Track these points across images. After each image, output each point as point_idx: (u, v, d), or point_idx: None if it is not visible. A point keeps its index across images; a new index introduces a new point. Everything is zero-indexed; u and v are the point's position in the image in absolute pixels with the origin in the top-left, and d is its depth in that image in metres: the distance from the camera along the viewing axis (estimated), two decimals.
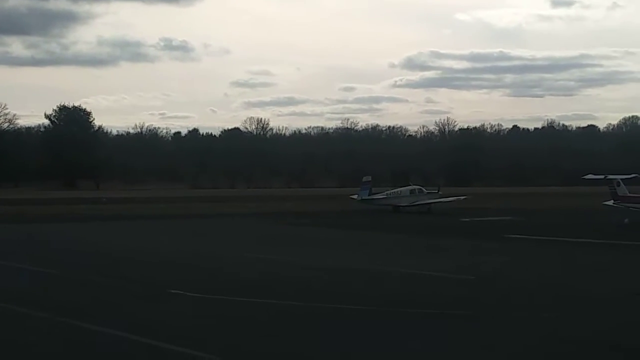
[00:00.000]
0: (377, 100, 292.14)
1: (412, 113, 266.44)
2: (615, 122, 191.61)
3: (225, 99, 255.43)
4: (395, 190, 73.50)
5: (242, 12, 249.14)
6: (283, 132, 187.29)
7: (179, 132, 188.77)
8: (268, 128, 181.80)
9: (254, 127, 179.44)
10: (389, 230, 51.21)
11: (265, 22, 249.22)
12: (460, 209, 71.08)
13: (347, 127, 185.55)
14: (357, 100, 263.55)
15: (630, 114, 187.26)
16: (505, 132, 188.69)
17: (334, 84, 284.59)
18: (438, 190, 73.50)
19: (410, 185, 75.94)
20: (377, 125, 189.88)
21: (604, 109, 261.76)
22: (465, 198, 73.12)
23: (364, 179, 72.03)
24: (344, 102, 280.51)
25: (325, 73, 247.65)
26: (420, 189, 72.88)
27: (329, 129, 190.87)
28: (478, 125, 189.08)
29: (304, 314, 20.16)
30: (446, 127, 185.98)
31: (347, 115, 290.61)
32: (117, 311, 20.58)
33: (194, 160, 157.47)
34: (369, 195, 70.88)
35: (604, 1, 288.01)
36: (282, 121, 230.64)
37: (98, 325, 18.28)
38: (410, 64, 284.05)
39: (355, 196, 72.61)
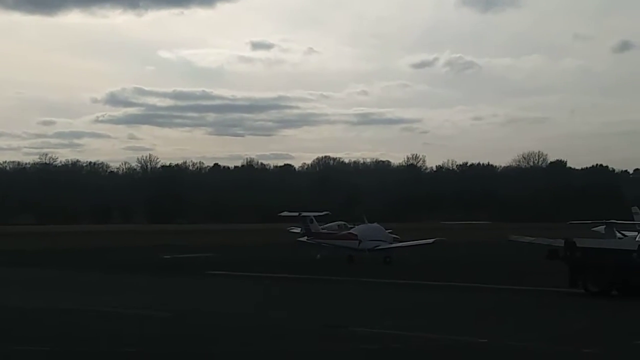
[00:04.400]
0: (79, 135, 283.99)
1: (114, 149, 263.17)
2: (309, 161, 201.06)
3: None
4: (327, 225, 76.61)
5: None
6: None
7: None
8: None
9: None
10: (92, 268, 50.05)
11: None
12: (162, 245, 71.14)
13: (46, 162, 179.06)
14: (58, 135, 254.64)
15: (323, 154, 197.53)
16: (207, 170, 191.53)
17: (33, 118, 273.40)
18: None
19: (336, 221, 78.36)
20: (78, 161, 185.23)
21: (299, 149, 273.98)
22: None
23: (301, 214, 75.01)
24: (43, 136, 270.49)
25: (23, 106, 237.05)
26: (345, 224, 75.96)
27: (26, 163, 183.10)
28: (180, 162, 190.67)
29: None
30: (148, 163, 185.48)
31: (46, 150, 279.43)
32: None
33: None
34: None
35: (301, 46, 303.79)
36: None
37: None
38: (114, 100, 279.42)
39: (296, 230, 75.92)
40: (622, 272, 32.62)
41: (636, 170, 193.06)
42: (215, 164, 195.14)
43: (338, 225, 78.32)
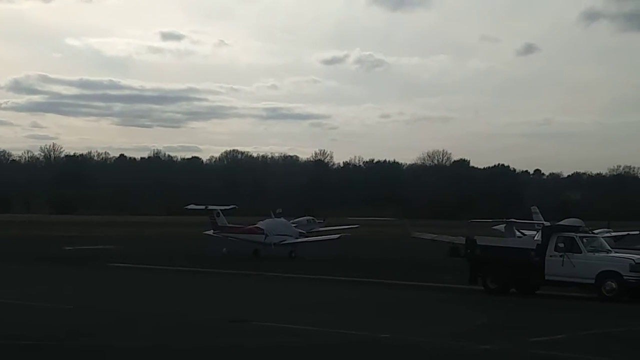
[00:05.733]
0: None
1: (16, 137, 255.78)
2: (217, 154, 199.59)
3: None
4: (296, 220, 74.76)
5: None
6: None
7: None
8: None
9: None
10: None
11: None
12: (65, 237, 69.76)
13: None
14: None
15: (232, 148, 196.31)
16: (113, 161, 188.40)
17: None
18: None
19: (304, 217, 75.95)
20: None
21: (208, 142, 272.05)
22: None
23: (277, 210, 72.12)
24: None
25: None
26: (313, 219, 75.83)
27: None
28: (85, 152, 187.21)
29: None
30: (52, 153, 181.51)
31: None
32: None
33: None
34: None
35: (212, 38, 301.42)
36: None
37: None
38: (17, 87, 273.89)
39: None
40: (520, 270, 33.46)
41: (536, 170, 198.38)
42: (121, 155, 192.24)
43: (307, 220, 77.37)
